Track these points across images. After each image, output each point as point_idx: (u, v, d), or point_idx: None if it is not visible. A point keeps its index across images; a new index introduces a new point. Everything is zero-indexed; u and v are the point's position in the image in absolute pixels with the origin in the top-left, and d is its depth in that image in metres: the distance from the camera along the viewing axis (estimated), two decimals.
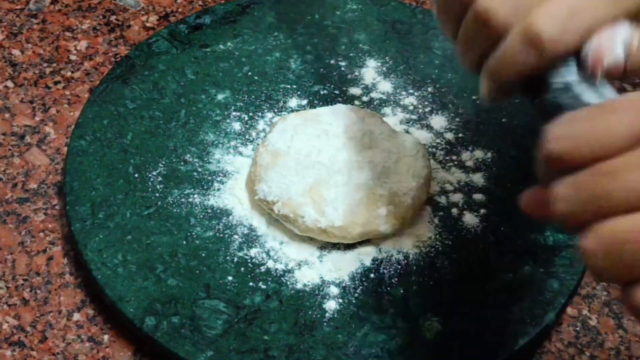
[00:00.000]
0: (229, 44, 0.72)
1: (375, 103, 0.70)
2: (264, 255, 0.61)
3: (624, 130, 0.39)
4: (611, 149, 0.39)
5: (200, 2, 0.78)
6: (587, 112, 0.40)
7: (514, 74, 0.45)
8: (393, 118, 0.69)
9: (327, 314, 0.58)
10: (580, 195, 0.40)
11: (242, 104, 0.69)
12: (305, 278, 0.60)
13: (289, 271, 0.60)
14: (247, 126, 0.68)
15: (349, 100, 0.70)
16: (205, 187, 0.64)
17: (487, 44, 0.45)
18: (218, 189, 0.64)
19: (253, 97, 0.69)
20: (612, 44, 0.43)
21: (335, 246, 0.62)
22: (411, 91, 0.71)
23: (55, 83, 0.72)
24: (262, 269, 0.60)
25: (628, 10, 0.44)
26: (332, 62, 0.72)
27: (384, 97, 0.71)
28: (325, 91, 0.70)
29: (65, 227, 0.63)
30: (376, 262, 0.61)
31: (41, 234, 0.63)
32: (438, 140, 0.68)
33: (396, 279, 0.60)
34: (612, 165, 0.39)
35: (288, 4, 0.75)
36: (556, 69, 0.44)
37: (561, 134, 0.41)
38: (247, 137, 0.67)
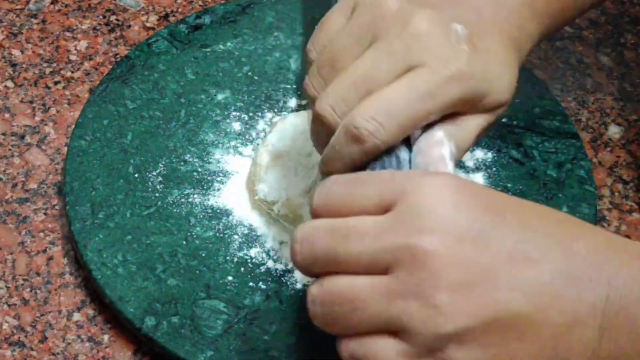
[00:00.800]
0: (229, 44, 0.72)
1: None
2: (264, 255, 0.61)
3: (364, 199, 0.43)
4: (352, 212, 0.43)
5: (200, 2, 0.78)
6: (345, 179, 0.44)
7: (340, 165, 0.49)
8: None
9: None
10: (313, 248, 0.43)
11: (242, 104, 0.69)
12: (305, 278, 0.60)
13: (289, 271, 0.60)
14: (247, 126, 0.68)
15: None
16: (205, 187, 0.64)
17: (326, 141, 0.50)
18: (218, 189, 0.64)
19: (253, 97, 0.69)
20: (445, 166, 0.48)
21: None
22: None
23: (55, 83, 0.72)
24: (262, 269, 0.60)
25: (442, 107, 0.49)
26: None
27: None
28: None
29: (65, 227, 0.63)
30: None
31: (41, 234, 0.63)
32: None
33: None
34: (346, 228, 0.43)
35: (288, 4, 0.75)
36: (380, 160, 0.49)
37: (321, 190, 0.44)
38: (247, 137, 0.67)
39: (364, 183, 0.44)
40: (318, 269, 0.44)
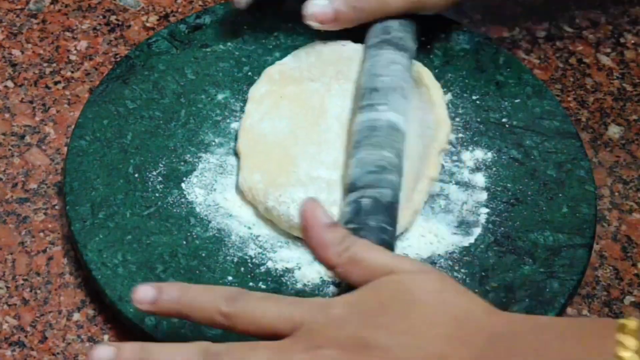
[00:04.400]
0: (229, 44, 0.72)
1: None
2: (264, 255, 0.61)
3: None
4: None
5: (200, 2, 0.78)
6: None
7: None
8: None
9: None
10: None
11: (242, 104, 0.69)
12: (305, 278, 0.60)
13: (289, 271, 0.60)
14: None
15: None
16: (205, 187, 0.64)
17: None
18: (218, 189, 0.64)
19: None
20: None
21: None
22: None
23: (55, 83, 0.72)
24: (262, 269, 0.60)
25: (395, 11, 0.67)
26: None
27: None
28: None
29: (65, 227, 0.63)
30: None
31: (41, 234, 0.63)
32: None
33: None
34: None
35: (288, 4, 0.75)
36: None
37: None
38: None
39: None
40: None
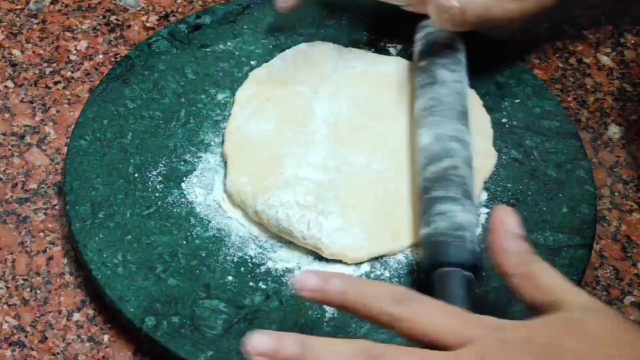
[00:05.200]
0: (229, 44, 0.72)
1: None
2: (264, 255, 0.61)
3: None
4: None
5: (200, 2, 0.78)
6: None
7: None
8: None
9: (327, 314, 0.58)
10: None
11: None
12: None
13: (289, 271, 0.60)
14: None
15: None
16: (205, 187, 0.64)
17: None
18: (218, 189, 0.64)
19: None
20: None
21: None
22: None
23: (55, 83, 0.72)
24: (262, 269, 0.60)
25: None
26: None
27: None
28: None
29: (65, 227, 0.63)
30: (376, 262, 0.61)
31: (41, 234, 0.63)
32: None
33: (396, 279, 0.60)
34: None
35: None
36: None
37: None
38: None
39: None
40: None
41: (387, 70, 0.70)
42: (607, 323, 0.48)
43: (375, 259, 0.61)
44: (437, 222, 0.58)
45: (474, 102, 0.68)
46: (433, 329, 0.48)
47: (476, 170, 0.63)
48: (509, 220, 0.52)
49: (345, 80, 0.68)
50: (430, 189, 0.60)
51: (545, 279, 0.50)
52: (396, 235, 0.61)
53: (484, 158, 0.65)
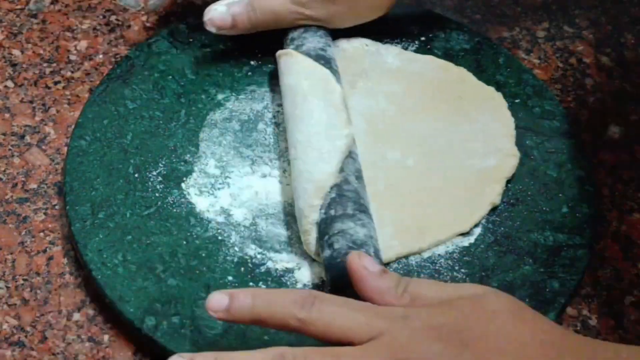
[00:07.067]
0: (229, 44, 0.72)
1: None
2: (264, 255, 0.61)
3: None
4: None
5: (200, 2, 0.78)
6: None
7: None
8: None
9: None
10: None
11: (242, 104, 0.69)
12: (305, 278, 0.60)
13: (289, 271, 0.60)
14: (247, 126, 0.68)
15: None
16: (205, 187, 0.64)
17: None
18: (218, 189, 0.64)
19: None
20: None
21: None
22: None
23: (55, 83, 0.72)
24: (262, 269, 0.60)
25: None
26: None
27: None
28: None
29: (65, 227, 0.63)
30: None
31: (41, 234, 0.63)
32: None
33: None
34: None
35: None
36: None
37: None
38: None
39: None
40: None
41: (420, 68, 0.70)
42: (505, 301, 0.50)
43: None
44: (339, 242, 0.57)
45: (500, 104, 0.68)
46: (341, 327, 0.48)
47: (497, 168, 0.64)
48: (367, 262, 0.52)
49: (381, 76, 0.69)
50: (327, 207, 0.59)
51: (431, 291, 0.51)
52: (421, 233, 0.61)
53: (507, 157, 0.65)
